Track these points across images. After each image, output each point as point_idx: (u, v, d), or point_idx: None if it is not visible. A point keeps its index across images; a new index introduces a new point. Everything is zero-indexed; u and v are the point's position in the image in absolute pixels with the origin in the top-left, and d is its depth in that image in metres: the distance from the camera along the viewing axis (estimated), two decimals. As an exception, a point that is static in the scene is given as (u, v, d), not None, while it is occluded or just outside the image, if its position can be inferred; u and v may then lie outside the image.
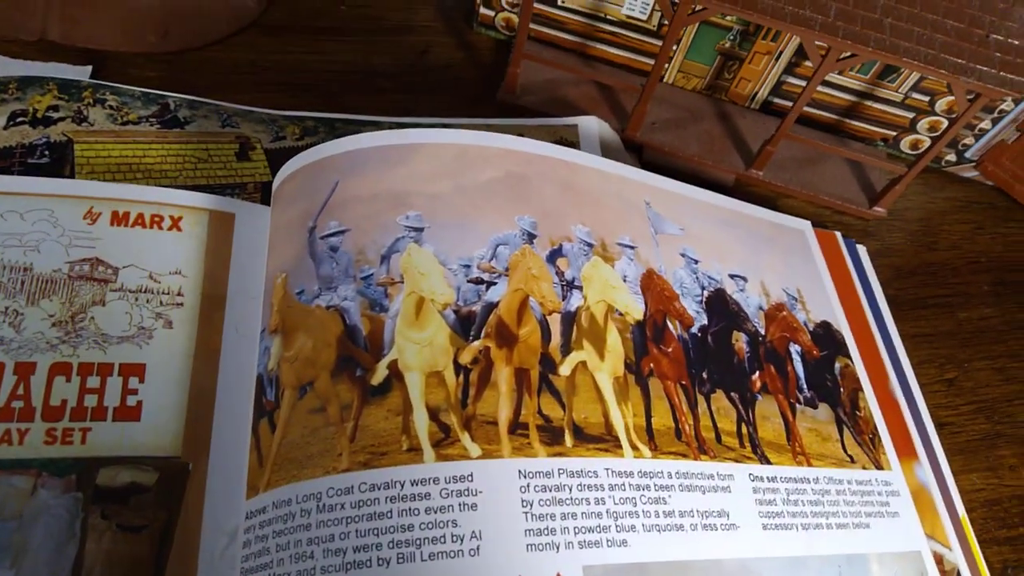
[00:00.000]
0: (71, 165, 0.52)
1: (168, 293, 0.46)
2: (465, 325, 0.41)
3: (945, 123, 0.66)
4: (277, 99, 0.61)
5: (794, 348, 0.53)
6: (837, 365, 0.54)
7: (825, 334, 0.55)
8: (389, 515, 0.36)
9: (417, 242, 0.43)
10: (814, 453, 0.48)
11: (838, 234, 0.63)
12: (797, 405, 0.50)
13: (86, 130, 0.53)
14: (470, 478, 0.37)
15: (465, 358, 0.40)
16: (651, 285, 0.48)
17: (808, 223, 0.62)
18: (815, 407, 0.51)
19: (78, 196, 0.48)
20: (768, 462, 0.46)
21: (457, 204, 0.45)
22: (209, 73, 0.62)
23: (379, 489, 0.36)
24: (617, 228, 0.49)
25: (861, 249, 0.64)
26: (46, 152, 0.51)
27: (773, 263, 0.56)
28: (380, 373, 0.39)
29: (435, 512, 0.36)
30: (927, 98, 0.65)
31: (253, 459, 0.40)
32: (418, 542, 0.35)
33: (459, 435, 0.38)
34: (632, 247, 0.48)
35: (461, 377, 0.40)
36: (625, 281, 0.47)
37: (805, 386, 0.51)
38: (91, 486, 0.40)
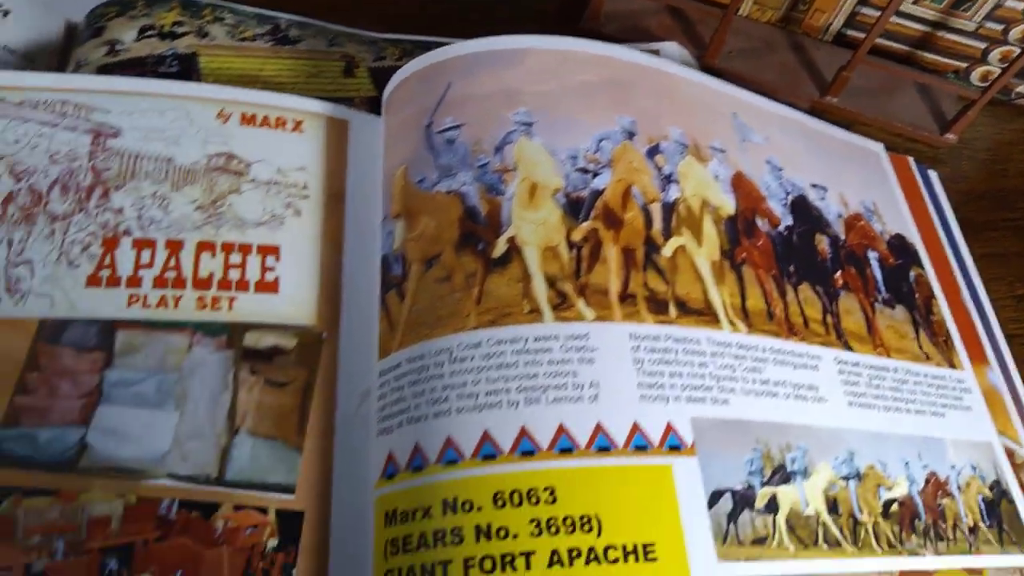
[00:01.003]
0: (197, 75, 0.57)
1: (295, 186, 0.51)
2: (575, 208, 0.46)
3: (1017, 51, 0.68)
4: (376, 28, 0.66)
5: (872, 254, 0.56)
6: (912, 274, 0.58)
7: (900, 245, 0.59)
8: (515, 365, 0.40)
9: (527, 135, 0.47)
10: (893, 347, 0.52)
11: (910, 159, 0.66)
12: (876, 304, 0.54)
13: (208, 44, 0.58)
14: (586, 337, 0.41)
15: (576, 236, 0.44)
16: (741, 185, 0.51)
17: (881, 145, 0.65)
18: (893, 308, 0.54)
19: (209, 99, 0.53)
20: (851, 349, 0.49)
21: (563, 103, 0.49)
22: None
23: (505, 344, 0.41)
24: (708, 133, 0.52)
25: (932, 174, 0.67)
26: (174, 63, 0.57)
27: (850, 178, 0.60)
28: (500, 246, 0.44)
29: (556, 364, 0.40)
30: (1001, 27, 0.68)
31: (384, 326, 0.45)
32: (543, 388, 0.40)
33: (574, 301, 0.42)
34: (722, 151, 0.52)
35: (573, 252, 0.44)
36: (717, 180, 0.50)
37: (883, 288, 0.55)
38: (239, 346, 0.45)
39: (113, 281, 0.45)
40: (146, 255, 0.47)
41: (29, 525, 0.39)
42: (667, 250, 0.46)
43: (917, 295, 0.57)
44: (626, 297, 0.44)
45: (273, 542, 0.41)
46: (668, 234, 0.47)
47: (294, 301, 0.47)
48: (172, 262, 0.47)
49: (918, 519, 0.45)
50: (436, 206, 0.46)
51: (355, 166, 0.53)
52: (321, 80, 0.60)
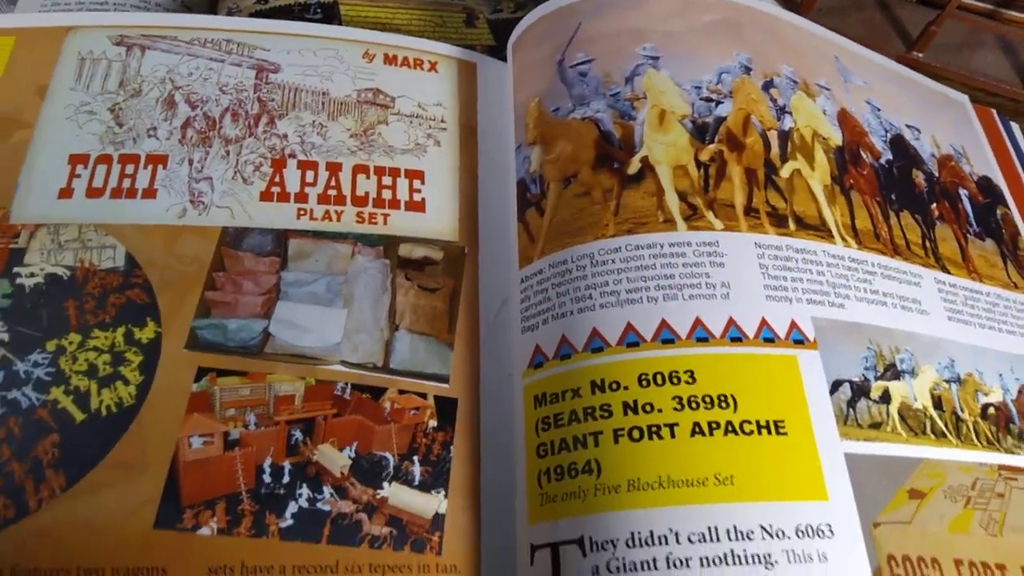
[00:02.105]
0: (338, 21, 0.62)
1: (433, 119, 0.56)
2: (701, 132, 0.49)
3: (1102, 9, 0.70)
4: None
5: (963, 192, 0.59)
6: (999, 212, 0.61)
7: (987, 186, 0.61)
8: (653, 267, 0.44)
9: (655, 68, 0.51)
10: (984, 273, 0.55)
11: (994, 111, 0.69)
12: (968, 235, 0.57)
13: (345, -4, 0.63)
14: (716, 244, 0.45)
15: (704, 156, 0.48)
16: (846, 120, 0.55)
17: (967, 96, 0.68)
18: (983, 240, 0.57)
19: (355, 40, 0.58)
20: (948, 272, 0.53)
21: (686, 40, 0.53)
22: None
23: (643, 248, 0.45)
24: (814, 72, 0.56)
25: (1015, 126, 0.69)
26: (318, 10, 0.62)
27: (940, 123, 0.63)
28: (635, 165, 0.48)
29: (690, 267, 0.44)
30: (1086, -16, 0.70)
31: (524, 239, 0.49)
32: (679, 287, 0.44)
33: (704, 212, 0.46)
34: (827, 89, 0.55)
35: (701, 171, 0.48)
36: (825, 115, 0.54)
37: (974, 222, 0.58)
38: (395, 256, 0.50)
39: (283, 197, 0.50)
40: (310, 175, 0.52)
41: (225, 400, 0.44)
42: (785, 172, 0.50)
43: (1004, 231, 0.59)
44: (750, 211, 0.47)
45: (433, 422, 0.45)
46: (785, 159, 0.50)
47: (439, 219, 0.52)
48: (332, 182, 0.52)
49: (1012, 423, 0.49)
50: (572, 131, 0.50)
51: (484, 103, 0.57)
52: (446, 29, 0.64)
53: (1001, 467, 0.46)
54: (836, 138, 0.53)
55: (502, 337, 0.48)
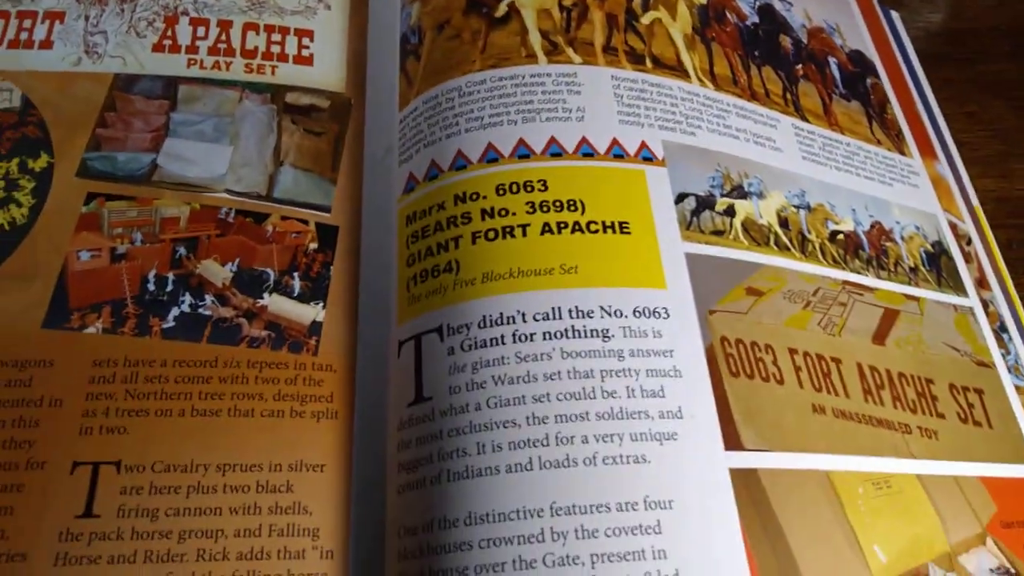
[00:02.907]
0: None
1: None
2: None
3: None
4: None
5: (832, 60, 0.62)
6: (868, 81, 0.64)
7: (859, 59, 0.65)
8: (514, 95, 0.47)
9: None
10: (846, 127, 0.58)
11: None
12: (833, 95, 0.60)
13: None
14: (575, 75, 0.48)
15: (567, 1, 0.51)
16: (713, -15, 0.58)
17: (846, -16, 0.71)
18: (848, 101, 0.61)
19: (252, -83, 0.60)
20: (807, 121, 0.56)
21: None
22: None
23: (505, 80, 0.48)
24: (685, -58, 0.59)
25: (895, 14, 0.73)
26: None
27: (813, 4, 0.66)
28: (502, 9, 0.50)
29: (548, 94, 0.47)
30: None
31: (403, 85, 0.52)
32: (537, 111, 0.47)
33: (565, 49, 0.49)
34: (697, -44, 0.59)
35: (564, 14, 0.51)
36: (692, -22, 0.57)
37: (840, 85, 0.61)
38: (282, 103, 0.52)
39: (175, 49, 0.53)
40: (201, 30, 0.54)
41: (112, 220, 0.46)
42: (645, 20, 0.53)
43: (872, 96, 0.63)
44: (608, 49, 0.50)
45: (314, 245, 0.48)
46: (646, 8, 0.53)
47: (326, 73, 0.54)
48: (223, 36, 0.54)
49: (862, 249, 0.52)
50: (448, -14, 0.53)
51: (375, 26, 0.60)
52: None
53: (846, 283, 0.50)
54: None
55: (385, 180, 0.51)
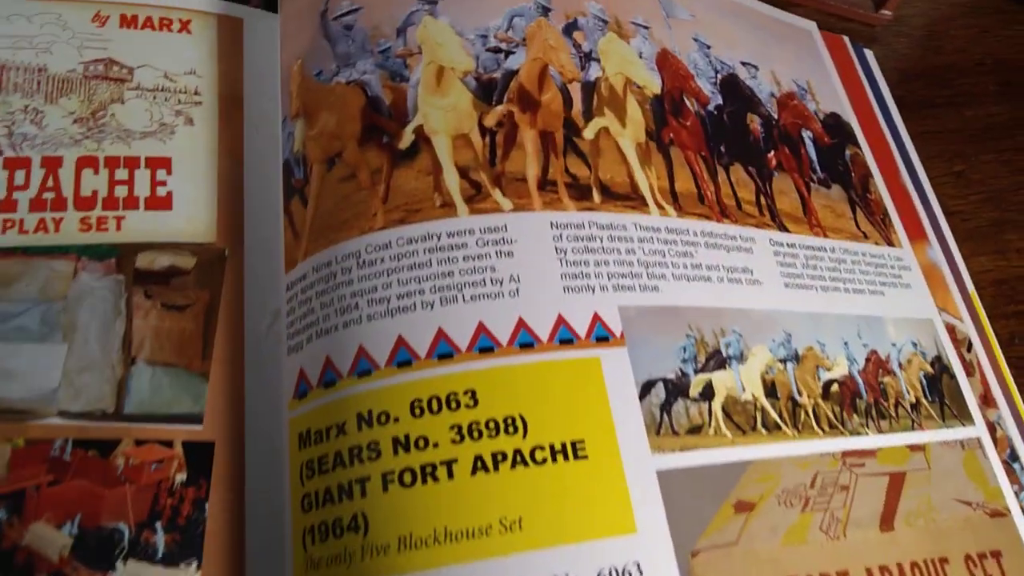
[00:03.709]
0: (70, -23, 0.49)
1: (185, 92, 0.44)
2: (487, 91, 0.40)
3: (951, -83, 0.63)
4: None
5: (806, 134, 0.52)
6: (847, 153, 0.54)
7: (835, 124, 0.54)
8: (428, 264, 0.35)
9: (432, 15, 0.41)
10: (829, 227, 0.48)
11: (845, 38, 0.61)
12: (811, 184, 0.49)
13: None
14: (504, 229, 0.37)
15: (490, 121, 0.39)
16: (667, 64, 0.46)
17: (814, 24, 0.60)
18: (828, 187, 0.50)
19: (83, 0, 0.45)
20: (786, 230, 0.45)
21: (470, -22, 0.42)
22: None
23: (416, 242, 0.36)
24: (629, 9, 0.47)
25: (868, 53, 0.62)
26: (42, -35, 0.49)
27: (783, 56, 0.55)
28: (407, 137, 0.38)
29: (473, 260, 0.36)
30: None
31: (288, 236, 0.40)
32: (459, 286, 0.35)
33: (490, 191, 0.37)
34: (646, 27, 0.46)
35: (487, 139, 0.39)
36: (642, 57, 0.45)
37: (818, 168, 0.51)
38: (131, 269, 0.39)
39: (-19, 207, 0.39)
40: (20, 176, 0.40)
41: (-97, 478, 0.34)
42: (588, 132, 0.41)
43: (853, 174, 0.52)
44: (546, 184, 0.39)
45: (182, 476, 0.36)
46: (589, 116, 0.42)
47: (190, 217, 0.41)
48: (50, 182, 0.40)
49: (859, 398, 0.42)
50: (335, 99, 0.40)
51: (252, 67, 0.46)
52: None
53: (845, 454, 0.40)
54: (654, 85, 0.44)
55: (273, 358, 0.39)
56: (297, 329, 0.37)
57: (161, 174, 0.42)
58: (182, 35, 0.46)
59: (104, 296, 0.38)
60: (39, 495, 0.34)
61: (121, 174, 0.41)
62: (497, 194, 0.37)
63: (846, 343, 0.43)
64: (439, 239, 0.36)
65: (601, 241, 0.38)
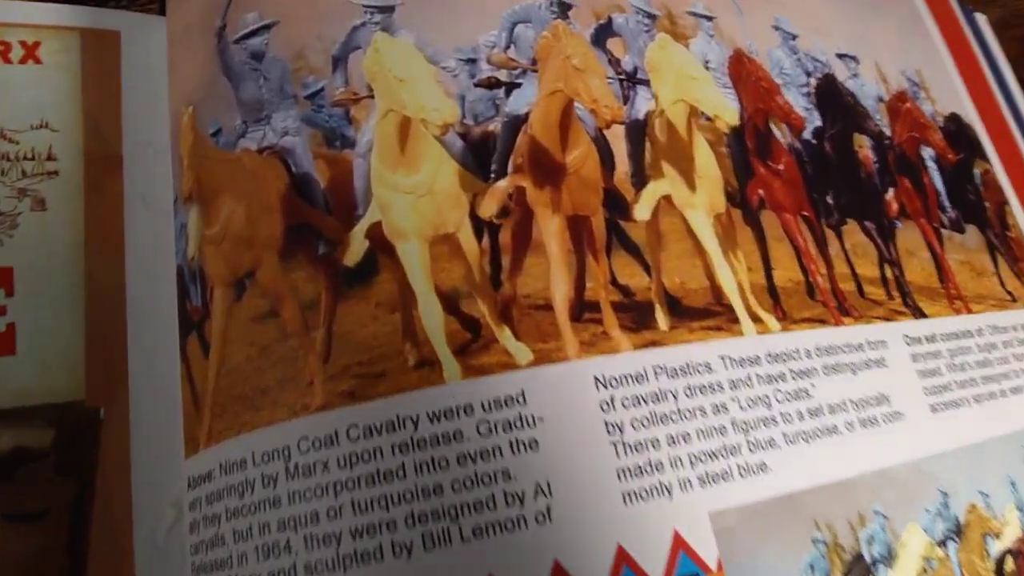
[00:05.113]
0: None
1: (32, 158, 0.29)
2: (480, 155, 0.24)
3: None
4: None
5: (927, 153, 0.36)
6: (976, 172, 0.38)
7: (957, 130, 0.38)
8: (400, 475, 0.21)
9: (386, 29, 0.25)
10: (971, 295, 0.33)
11: (952, 1, 0.44)
12: (943, 230, 0.34)
13: None
14: (521, 399, 0.22)
15: (488, 209, 0.23)
16: (743, 73, 0.30)
17: (913, -19, 0.43)
18: (962, 231, 0.35)
19: None
20: (923, 315, 0.30)
21: (445, -35, 0.26)
22: None
23: (379, 434, 0.21)
24: (686, -11, 0.30)
25: (981, 19, 0.45)
26: None
27: (884, 36, 0.38)
28: (356, 247, 0.23)
29: (472, 461, 0.21)
30: None
31: (187, 395, 0.25)
32: (451, 512, 0.20)
33: (495, 332, 0.22)
34: (709, 17, 0.30)
35: (487, 239, 0.23)
36: (708, 69, 0.29)
37: (947, 203, 0.35)
38: (-50, 460, 0.25)
39: None
40: None
41: None
42: (642, 209, 0.25)
43: (987, 204, 0.37)
44: (583, 310, 0.24)
45: None
46: (641, 178, 0.26)
47: (44, 364, 0.26)
48: None
49: (1041, 564, 0.28)
50: (243, 177, 0.24)
51: (136, 106, 0.30)
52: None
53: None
54: (730, 113, 0.28)
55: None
56: (204, 561, 0.23)
57: (-3, 296, 0.26)
58: (25, 67, 0.30)
59: (-93, 511, 0.24)
60: None
61: (-68, 302, 0.26)
62: (506, 336, 0.22)
63: (1013, 483, 0.29)
64: (416, 427, 0.21)
65: (675, 399, 0.23)
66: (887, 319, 0.29)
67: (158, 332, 0.27)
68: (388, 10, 0.25)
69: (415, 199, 0.23)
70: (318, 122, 0.24)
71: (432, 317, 0.22)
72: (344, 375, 0.22)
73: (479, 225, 0.23)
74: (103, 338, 0.27)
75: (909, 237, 0.33)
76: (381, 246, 0.23)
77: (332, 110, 0.24)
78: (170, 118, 0.28)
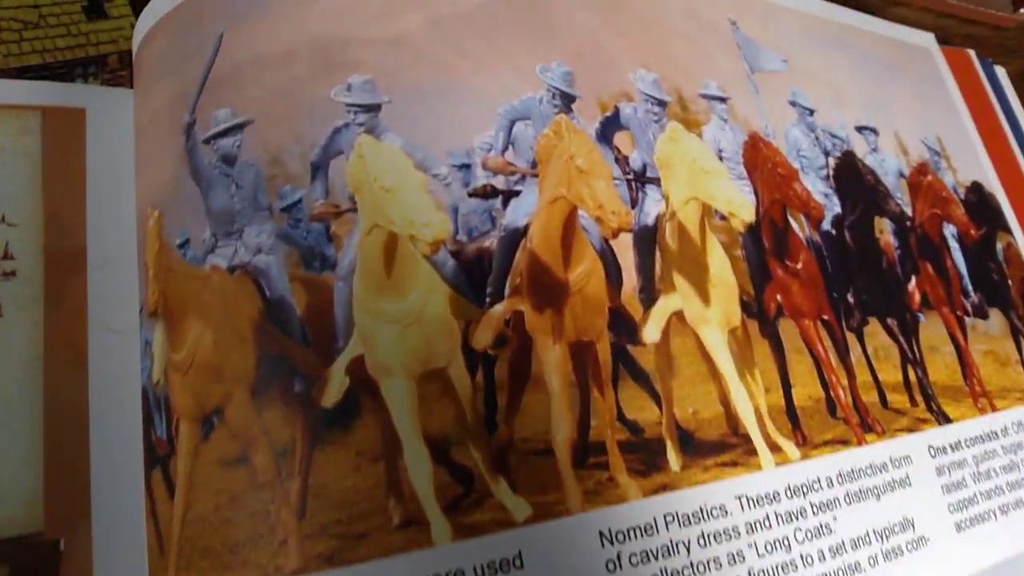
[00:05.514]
0: None
1: (-17, 257, 0.26)
2: (475, 276, 0.22)
3: None
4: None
5: (949, 231, 0.33)
6: (999, 246, 0.36)
7: (979, 201, 0.36)
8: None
9: (371, 131, 0.22)
10: (995, 388, 0.31)
11: (971, 52, 0.42)
12: (966, 319, 0.32)
13: None
14: (518, 562, 0.19)
15: (483, 339, 0.21)
16: (759, 160, 0.27)
17: (931, 36, 0.41)
18: (985, 316, 0.33)
19: None
20: (947, 419, 0.28)
21: (434, 54, 0.23)
22: None
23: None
24: (696, 69, 0.28)
25: (1000, 72, 0.43)
26: None
27: (903, 99, 0.36)
28: (335, 385, 0.20)
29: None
30: None
31: (151, 535, 0.22)
32: None
33: (489, 484, 0.20)
34: (723, 99, 0.28)
35: (480, 374, 0.21)
36: (722, 159, 0.27)
37: (970, 286, 0.33)
38: None
39: None
40: None
41: None
42: (651, 331, 0.23)
43: (1010, 281, 0.35)
44: (587, 454, 0.21)
45: None
46: (650, 294, 0.24)
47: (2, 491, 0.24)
48: None
49: None
50: (212, 298, 0.22)
51: (101, 196, 0.28)
52: (46, 31, 0.32)
53: None
54: (746, 208, 0.25)
55: None
56: None
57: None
58: (-22, 151, 0.27)
59: None
60: None
61: None
62: (502, 489, 0.20)
63: (1046, 602, 0.27)
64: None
65: (687, 551, 0.20)
66: (911, 430, 0.27)
67: (125, 457, 0.24)
68: (374, 109, 0.22)
69: (402, 329, 0.21)
70: (295, 239, 0.22)
71: (419, 469, 0.19)
72: (322, 534, 0.19)
73: (472, 358, 0.21)
74: (63, 463, 0.24)
75: (932, 331, 0.30)
76: (363, 384, 0.20)
77: (311, 225, 0.22)
78: (136, 218, 0.25)
